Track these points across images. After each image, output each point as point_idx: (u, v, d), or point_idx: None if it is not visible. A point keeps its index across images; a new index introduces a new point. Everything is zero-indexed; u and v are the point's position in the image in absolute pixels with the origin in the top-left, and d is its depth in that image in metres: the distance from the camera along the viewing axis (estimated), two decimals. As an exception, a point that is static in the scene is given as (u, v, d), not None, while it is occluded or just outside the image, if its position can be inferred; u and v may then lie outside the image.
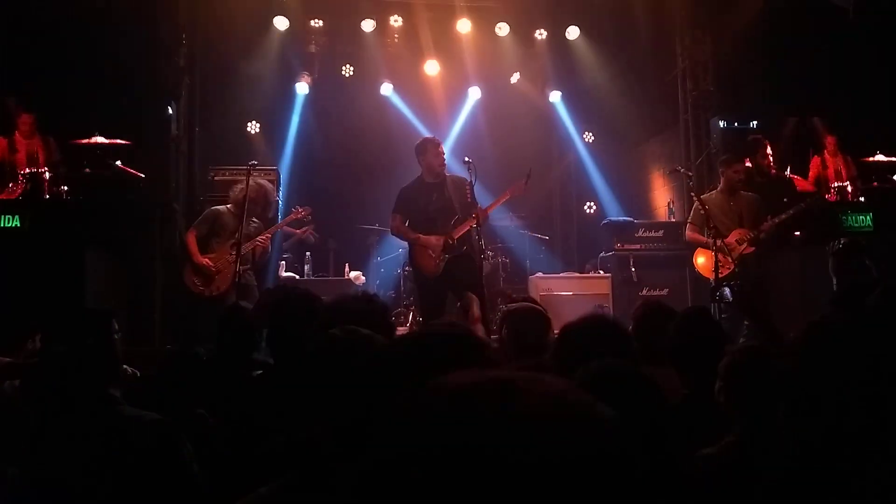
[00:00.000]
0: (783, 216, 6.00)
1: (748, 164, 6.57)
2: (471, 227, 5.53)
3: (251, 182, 5.95)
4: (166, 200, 6.88)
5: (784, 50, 7.60)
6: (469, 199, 5.65)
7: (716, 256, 5.88)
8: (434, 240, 5.67)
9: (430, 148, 5.77)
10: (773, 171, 6.89)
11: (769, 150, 6.83)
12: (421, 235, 5.73)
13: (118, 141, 6.36)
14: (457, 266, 5.60)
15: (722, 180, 6.34)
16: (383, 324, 2.15)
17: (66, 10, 6.72)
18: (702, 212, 6.04)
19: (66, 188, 6.12)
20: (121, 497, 1.95)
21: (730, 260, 5.89)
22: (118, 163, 6.27)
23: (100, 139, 6.32)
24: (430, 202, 5.74)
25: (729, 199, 6.24)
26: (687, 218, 6.58)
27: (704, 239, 6.13)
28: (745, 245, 6.03)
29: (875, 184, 6.72)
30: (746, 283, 5.81)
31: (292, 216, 6.53)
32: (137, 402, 2.41)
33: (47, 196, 6.09)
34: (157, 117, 7.03)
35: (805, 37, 7.56)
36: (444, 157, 5.81)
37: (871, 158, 6.95)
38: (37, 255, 5.41)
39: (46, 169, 6.22)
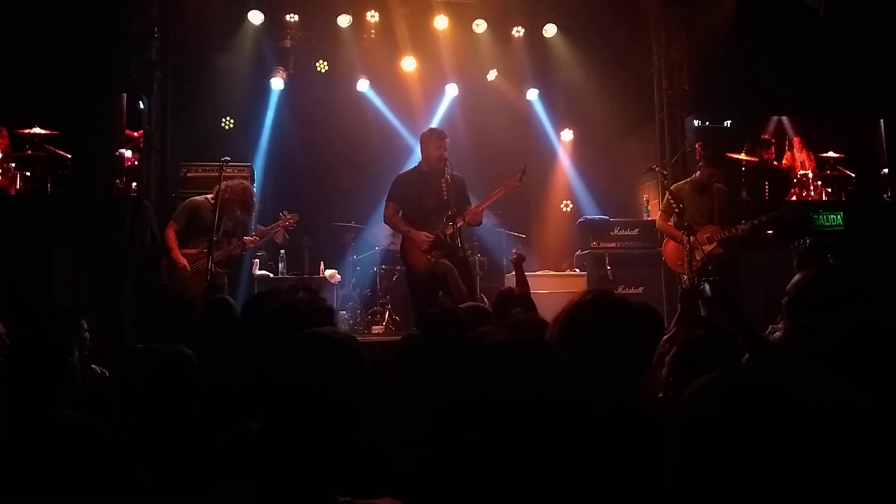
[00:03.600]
0: (755, 221, 6.09)
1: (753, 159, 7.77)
2: (458, 225, 5.52)
3: (237, 182, 5.94)
4: (137, 196, 6.77)
5: (757, 50, 7.72)
6: (464, 198, 5.70)
7: (689, 255, 5.96)
8: (424, 236, 5.63)
9: (431, 139, 5.80)
10: (776, 164, 7.98)
11: (772, 149, 8.10)
12: (412, 229, 5.69)
13: (52, 132, 6.58)
14: (450, 271, 5.55)
15: (699, 173, 6.40)
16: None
17: (36, 1, 6.58)
18: (676, 209, 6.10)
19: (13, 164, 6.46)
20: (59, 496, 1.95)
21: (697, 258, 5.98)
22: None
23: (37, 129, 6.55)
24: (425, 194, 5.70)
25: (702, 193, 6.32)
26: (661, 209, 6.71)
27: (676, 232, 6.20)
28: (714, 245, 6.10)
29: (828, 172, 7.99)
30: (725, 280, 5.88)
31: (280, 222, 6.31)
32: (123, 403, 2.35)
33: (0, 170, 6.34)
34: (128, 112, 6.91)
35: (777, 37, 7.69)
36: (446, 151, 5.70)
37: (824, 154, 8.11)
38: (3, 252, 5.29)
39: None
